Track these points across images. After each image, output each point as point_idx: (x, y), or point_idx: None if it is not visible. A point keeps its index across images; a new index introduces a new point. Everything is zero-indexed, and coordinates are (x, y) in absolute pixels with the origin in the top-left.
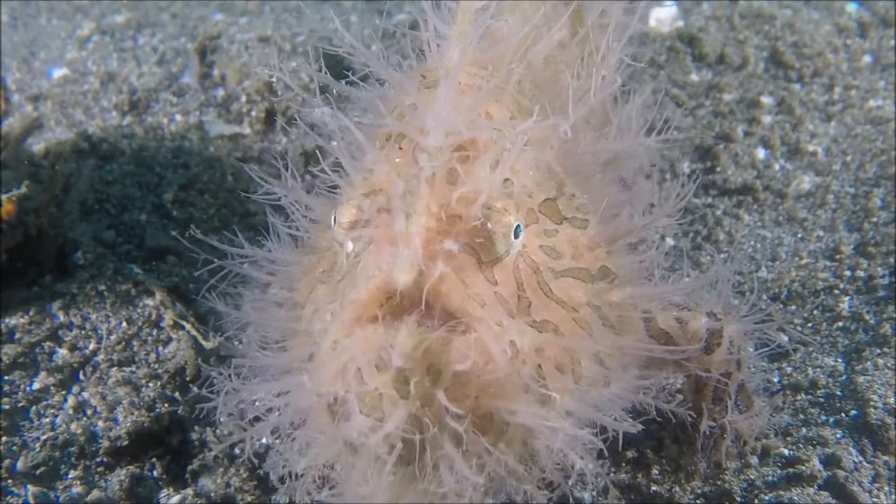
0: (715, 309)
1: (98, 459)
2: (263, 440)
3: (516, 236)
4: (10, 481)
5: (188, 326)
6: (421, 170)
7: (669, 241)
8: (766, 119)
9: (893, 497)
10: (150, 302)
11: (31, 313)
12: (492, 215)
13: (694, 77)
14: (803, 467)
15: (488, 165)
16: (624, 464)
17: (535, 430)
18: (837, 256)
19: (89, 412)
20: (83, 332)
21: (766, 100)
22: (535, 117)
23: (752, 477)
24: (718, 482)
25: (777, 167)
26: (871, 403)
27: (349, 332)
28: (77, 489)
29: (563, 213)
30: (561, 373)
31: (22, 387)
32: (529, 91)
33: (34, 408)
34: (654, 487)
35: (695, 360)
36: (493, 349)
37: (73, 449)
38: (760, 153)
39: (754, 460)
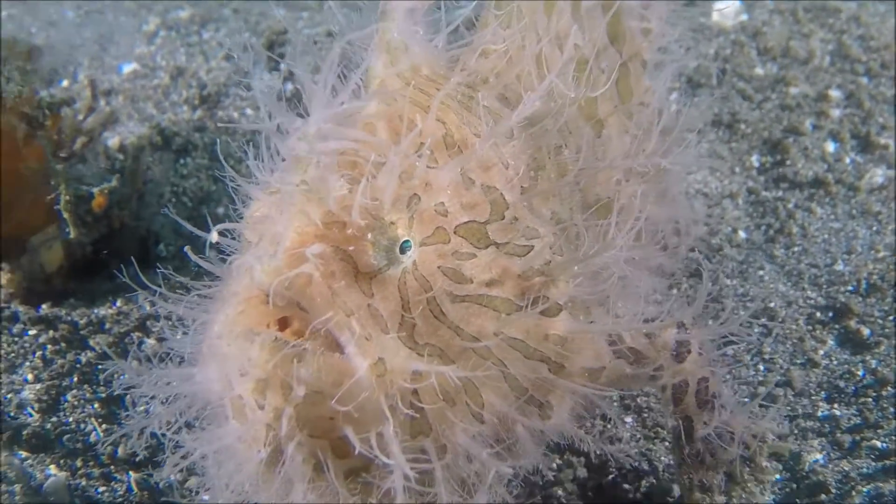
0: (685, 319)
1: None
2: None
3: (403, 252)
4: (112, 468)
5: None
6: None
7: (742, 234)
8: (835, 112)
9: None
10: None
11: (119, 304)
12: (377, 225)
13: (759, 71)
14: None
15: (390, 176)
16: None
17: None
18: None
19: None
20: (169, 322)
21: (834, 93)
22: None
23: (845, 469)
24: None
25: (848, 160)
26: None
27: (227, 334)
28: (175, 476)
29: (494, 237)
30: (449, 403)
31: (116, 375)
32: (493, 107)
33: (128, 396)
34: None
35: (668, 371)
36: (353, 364)
37: None
38: (830, 146)
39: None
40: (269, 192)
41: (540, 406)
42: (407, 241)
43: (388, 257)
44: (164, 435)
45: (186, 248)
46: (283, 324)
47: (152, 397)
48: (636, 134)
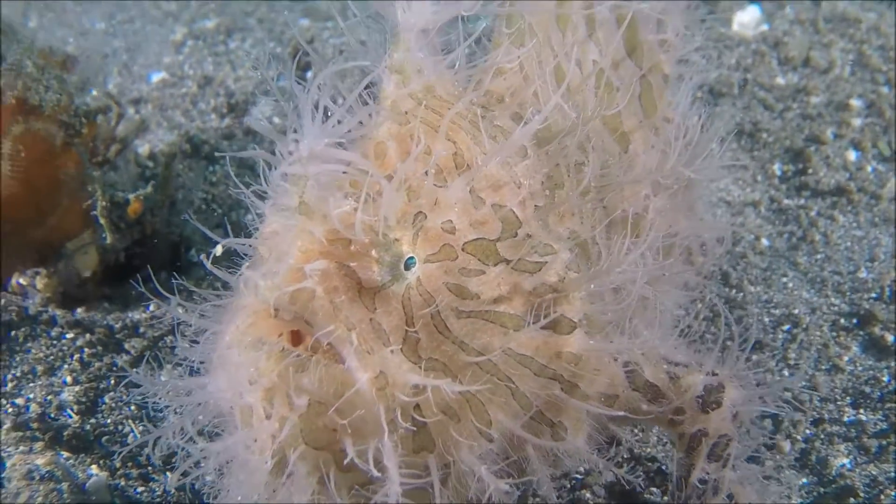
0: (719, 370)
1: None
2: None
3: (407, 268)
4: (150, 469)
5: None
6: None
7: (765, 242)
8: (856, 122)
9: None
10: None
11: (152, 308)
12: (380, 242)
13: (780, 80)
14: None
15: (393, 193)
16: None
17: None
18: None
19: None
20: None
21: (856, 103)
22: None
23: (873, 473)
24: None
25: (870, 169)
26: None
27: (237, 343)
28: (209, 477)
29: (505, 254)
30: (453, 419)
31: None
32: (507, 126)
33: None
34: None
35: (689, 419)
36: (353, 376)
37: None
38: (852, 155)
39: None
40: (279, 209)
41: (552, 426)
42: (411, 258)
43: (391, 273)
44: (178, 445)
45: (202, 256)
46: (298, 339)
47: (167, 406)
48: (663, 149)
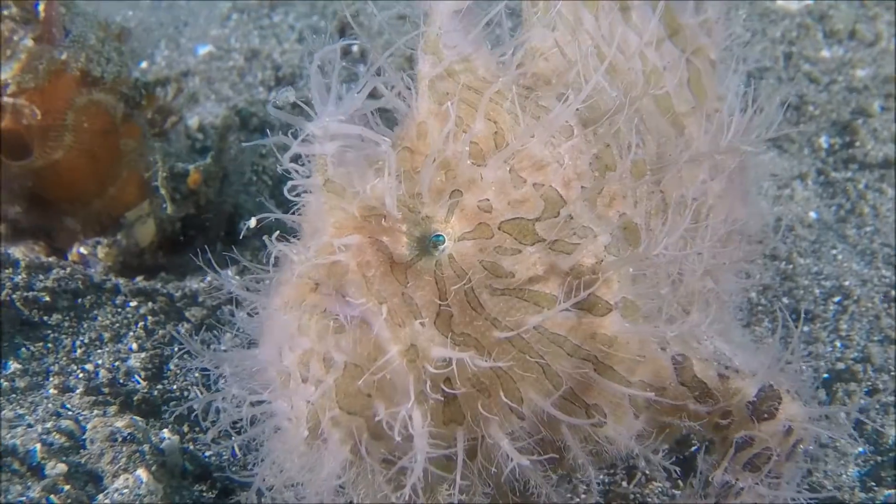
0: (777, 383)
1: None
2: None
3: (434, 245)
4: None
5: None
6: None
7: (813, 215)
8: None
9: None
10: None
11: (209, 278)
12: (411, 218)
13: (825, 53)
14: None
15: (428, 170)
16: None
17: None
18: None
19: None
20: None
21: None
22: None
23: None
24: None
25: None
26: None
27: (284, 305)
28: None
29: (543, 234)
30: (483, 394)
31: (212, 347)
32: (552, 108)
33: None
34: None
35: (735, 424)
36: (385, 348)
37: None
38: None
39: None
40: (310, 187)
41: (585, 408)
42: (439, 236)
43: (419, 248)
44: (227, 412)
45: (245, 228)
46: None
47: (221, 376)
48: (716, 133)
